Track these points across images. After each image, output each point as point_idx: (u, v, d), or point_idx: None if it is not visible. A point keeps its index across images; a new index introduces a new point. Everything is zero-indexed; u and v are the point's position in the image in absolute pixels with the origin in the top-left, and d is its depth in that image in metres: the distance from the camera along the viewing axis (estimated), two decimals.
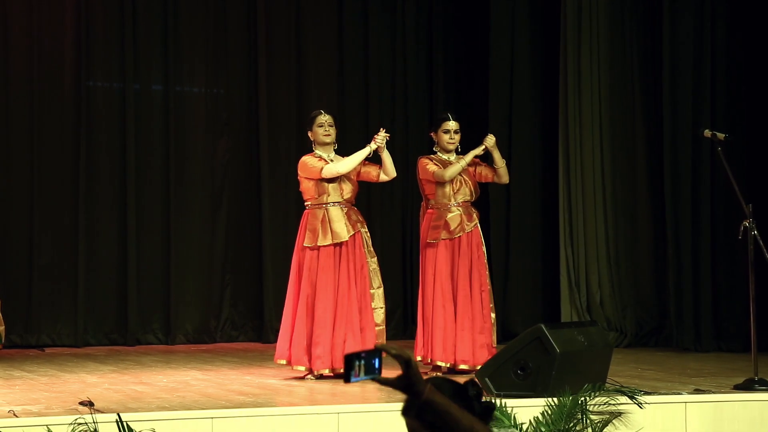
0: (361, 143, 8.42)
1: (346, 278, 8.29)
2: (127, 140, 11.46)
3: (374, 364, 2.99)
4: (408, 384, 3.14)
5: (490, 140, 8.63)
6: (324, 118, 8.43)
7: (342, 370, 8.08)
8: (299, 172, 8.44)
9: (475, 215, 8.69)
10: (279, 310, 11.52)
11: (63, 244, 11.31)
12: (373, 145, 8.31)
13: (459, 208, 8.63)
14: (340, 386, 7.87)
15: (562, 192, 11.09)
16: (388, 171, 8.43)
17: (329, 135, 8.41)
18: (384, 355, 3.06)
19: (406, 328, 11.85)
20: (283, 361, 8.32)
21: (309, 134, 8.52)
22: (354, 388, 7.78)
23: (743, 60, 10.48)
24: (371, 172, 8.49)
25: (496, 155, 8.65)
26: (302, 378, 8.25)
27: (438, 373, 8.47)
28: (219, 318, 11.75)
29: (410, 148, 11.94)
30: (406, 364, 3.11)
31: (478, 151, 8.65)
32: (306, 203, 8.44)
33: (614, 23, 11.01)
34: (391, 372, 3.02)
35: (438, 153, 8.76)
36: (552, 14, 11.40)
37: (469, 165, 8.68)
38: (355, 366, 2.95)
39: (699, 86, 10.43)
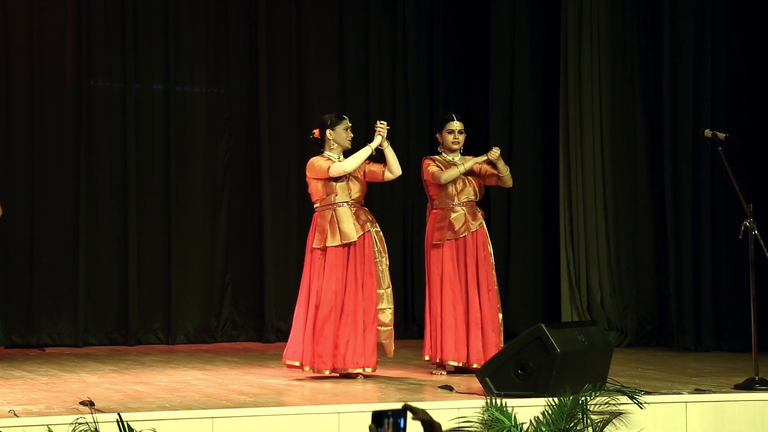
0: (361, 143, 8.41)
1: (354, 279, 8.27)
2: (128, 140, 11.46)
3: (400, 423, 3.08)
4: None
5: (495, 153, 8.60)
6: (349, 123, 8.42)
7: (344, 371, 8.13)
8: (307, 173, 8.40)
9: (479, 215, 8.69)
10: (280, 309, 11.58)
11: (64, 244, 11.32)
12: (377, 140, 8.27)
13: (463, 207, 8.63)
14: (340, 386, 7.87)
15: (563, 192, 11.10)
16: (393, 169, 8.41)
17: (350, 140, 8.41)
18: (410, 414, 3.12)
19: (407, 328, 11.86)
20: (297, 362, 8.28)
21: (327, 133, 8.40)
22: (354, 387, 7.79)
23: (743, 60, 10.48)
24: (376, 171, 8.46)
25: (501, 165, 8.64)
26: (307, 378, 8.23)
27: (443, 372, 8.48)
28: (220, 318, 11.76)
29: (411, 148, 11.95)
30: (429, 428, 3.17)
31: (480, 159, 8.63)
32: (315, 205, 8.41)
33: (615, 23, 11.02)
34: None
35: (442, 153, 8.76)
36: (552, 14, 11.41)
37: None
38: (384, 424, 3.05)
39: (699, 86, 10.43)
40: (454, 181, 8.60)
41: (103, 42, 11.51)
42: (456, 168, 8.59)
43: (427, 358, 8.58)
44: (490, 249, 8.72)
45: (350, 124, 8.40)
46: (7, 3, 11.27)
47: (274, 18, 11.98)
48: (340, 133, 8.37)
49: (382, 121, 8.37)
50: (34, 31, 11.31)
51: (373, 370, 8.29)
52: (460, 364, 8.51)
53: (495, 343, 8.55)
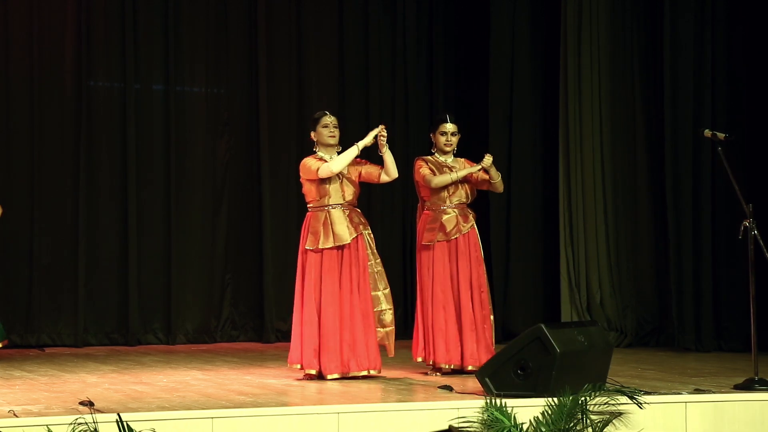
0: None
1: (348, 281, 8.25)
2: (128, 140, 11.47)
3: None
4: None
5: (488, 161, 8.57)
6: (329, 119, 8.39)
7: (351, 374, 8.11)
8: (300, 173, 8.41)
9: (471, 216, 8.67)
10: (279, 310, 11.58)
11: (63, 244, 11.32)
12: (367, 139, 8.25)
13: (455, 209, 8.61)
14: (340, 386, 7.87)
15: (563, 192, 11.09)
16: (390, 171, 8.39)
17: (334, 136, 8.38)
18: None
19: (407, 328, 11.83)
20: (297, 366, 8.28)
21: (312, 135, 8.46)
22: (354, 387, 7.78)
23: (743, 60, 10.48)
24: (373, 173, 8.45)
25: (493, 172, 8.60)
26: (308, 379, 8.22)
27: (438, 374, 8.47)
28: (219, 318, 11.76)
29: (410, 148, 11.94)
30: None
31: (474, 169, 8.59)
32: (308, 205, 8.41)
33: (614, 24, 11.02)
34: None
35: (435, 154, 8.73)
36: (552, 14, 11.41)
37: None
38: None
39: (699, 86, 10.43)
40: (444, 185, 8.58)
41: (103, 42, 11.51)
42: (449, 175, 8.55)
43: (420, 359, 8.57)
44: (482, 251, 8.70)
45: (329, 121, 8.37)
46: (7, 3, 11.27)
47: (274, 18, 11.98)
48: (320, 132, 8.39)
49: (384, 129, 8.33)
50: (34, 31, 11.31)
51: (379, 372, 8.28)
52: (452, 367, 8.49)
53: (486, 344, 8.53)
